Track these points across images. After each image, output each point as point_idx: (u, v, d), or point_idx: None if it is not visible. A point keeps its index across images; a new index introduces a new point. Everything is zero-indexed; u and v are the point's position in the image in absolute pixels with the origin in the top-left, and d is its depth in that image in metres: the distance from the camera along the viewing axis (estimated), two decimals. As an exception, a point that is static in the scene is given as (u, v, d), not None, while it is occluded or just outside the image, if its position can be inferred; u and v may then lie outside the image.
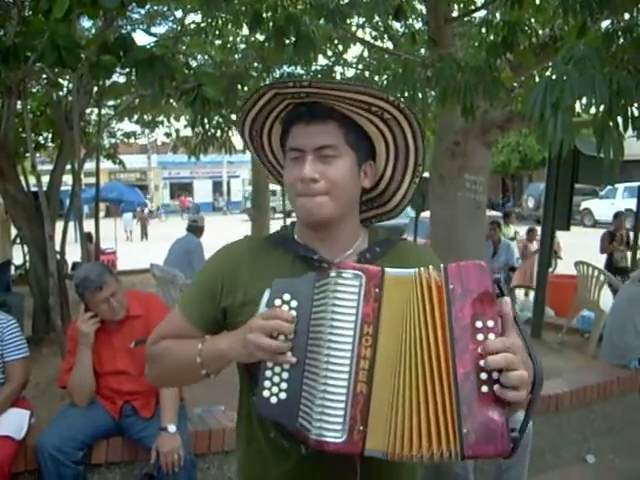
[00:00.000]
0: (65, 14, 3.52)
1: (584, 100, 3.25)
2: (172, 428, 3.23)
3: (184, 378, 1.62)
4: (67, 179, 8.58)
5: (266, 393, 1.32)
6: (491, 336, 1.20)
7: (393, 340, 1.25)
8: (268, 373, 1.32)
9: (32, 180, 7.40)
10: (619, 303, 5.47)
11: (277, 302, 1.33)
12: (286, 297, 1.33)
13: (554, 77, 3.29)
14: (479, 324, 1.21)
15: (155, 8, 9.91)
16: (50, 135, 11.05)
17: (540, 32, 5.59)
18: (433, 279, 1.26)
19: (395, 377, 1.24)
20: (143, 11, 9.78)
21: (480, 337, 1.20)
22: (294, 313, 1.32)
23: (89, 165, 9.55)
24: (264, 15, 5.73)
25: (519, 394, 1.19)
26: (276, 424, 1.44)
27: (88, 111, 10.23)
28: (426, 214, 8.50)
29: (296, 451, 1.44)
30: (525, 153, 29.98)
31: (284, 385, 1.31)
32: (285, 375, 1.31)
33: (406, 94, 4.59)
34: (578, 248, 11.70)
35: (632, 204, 18.88)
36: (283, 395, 1.31)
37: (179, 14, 10.03)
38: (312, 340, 1.29)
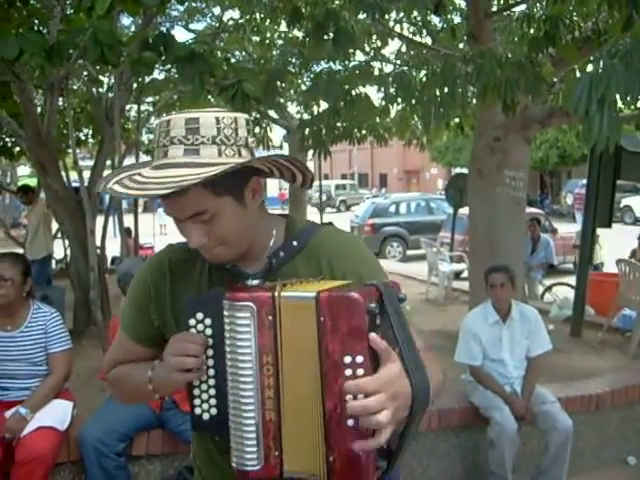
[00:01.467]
0: (107, 11, 3.57)
1: (630, 96, 3.19)
2: None
3: (142, 400, 1.64)
4: (107, 174, 8.70)
5: (197, 410, 1.36)
6: (359, 371, 1.18)
7: (293, 364, 1.25)
8: (196, 391, 1.35)
9: (73, 175, 7.52)
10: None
11: (192, 322, 1.35)
12: (199, 316, 1.34)
13: (599, 72, 3.23)
14: (348, 359, 1.19)
15: (194, 5, 9.99)
16: (91, 131, 11.22)
17: (583, 26, 5.51)
18: (307, 311, 1.23)
19: (298, 400, 1.25)
20: (182, 8, 9.88)
21: (348, 372, 1.19)
22: (209, 331, 1.33)
23: (129, 161, 9.66)
24: (302, 11, 5.73)
25: (381, 431, 1.17)
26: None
27: (128, 107, 10.36)
28: (464, 210, 8.45)
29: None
30: (564, 149, 29.51)
31: (213, 401, 1.34)
32: (212, 391, 1.34)
33: (445, 90, 4.56)
34: (619, 245, 11.52)
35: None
36: (214, 411, 1.34)
37: (217, 11, 10.11)
38: (227, 359, 1.30)
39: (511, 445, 3.81)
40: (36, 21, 5.12)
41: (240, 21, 8.77)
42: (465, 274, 10.45)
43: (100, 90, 8.54)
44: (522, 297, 6.44)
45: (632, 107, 7.37)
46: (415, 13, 7.69)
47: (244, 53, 9.67)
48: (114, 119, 6.81)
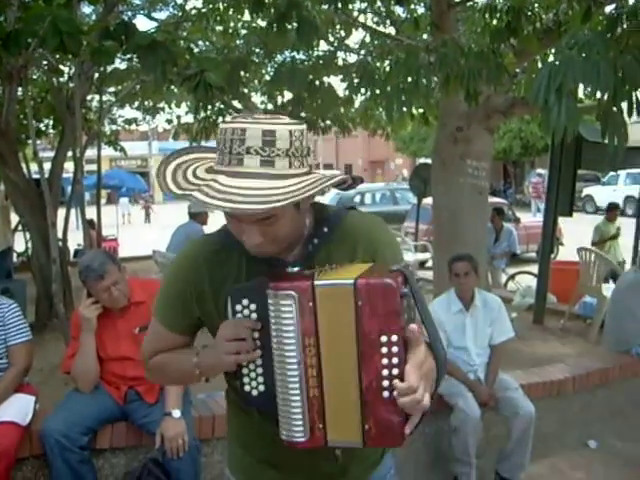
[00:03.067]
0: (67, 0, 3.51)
1: (588, 86, 3.23)
2: (176, 413, 3.23)
3: (187, 383, 1.81)
4: (68, 166, 8.58)
5: (247, 387, 1.49)
6: (394, 349, 1.33)
7: (334, 344, 1.39)
8: (245, 370, 1.48)
9: (33, 167, 7.40)
10: (619, 290, 5.47)
11: (238, 307, 1.47)
12: (245, 302, 1.46)
13: (558, 63, 3.27)
14: (384, 339, 1.34)
15: (156, -7, 9.86)
16: (51, 122, 11.03)
17: (544, 17, 5.56)
18: (344, 296, 1.37)
19: (339, 377, 1.39)
20: (144, -4, 9.75)
21: (384, 350, 1.34)
22: (255, 315, 1.45)
23: (90, 152, 9.54)
24: (265, 0, 5.69)
25: (413, 407, 1.33)
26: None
27: (89, 98, 10.21)
28: (428, 200, 8.51)
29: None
30: (527, 139, 29.83)
31: (261, 379, 1.47)
32: (260, 370, 1.47)
33: (409, 80, 4.57)
34: (580, 234, 11.70)
35: (634, 191, 18.88)
36: (262, 388, 1.47)
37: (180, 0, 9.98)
38: (274, 341, 1.42)
39: (475, 431, 3.86)
40: (-7, 9, 5.00)
41: (203, 10, 8.66)
42: (429, 263, 10.54)
43: (61, 80, 8.39)
44: (485, 285, 6.52)
45: (593, 98, 7.49)
46: (379, 3, 7.70)
47: (207, 42, 9.56)
48: (75, 109, 6.71)
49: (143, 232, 21.57)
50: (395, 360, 1.34)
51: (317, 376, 1.39)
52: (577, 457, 4.54)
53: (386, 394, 1.34)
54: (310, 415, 1.40)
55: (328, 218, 1.62)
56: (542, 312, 7.32)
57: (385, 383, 1.34)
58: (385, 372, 1.34)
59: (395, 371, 1.33)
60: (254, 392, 1.48)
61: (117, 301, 3.33)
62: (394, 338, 1.33)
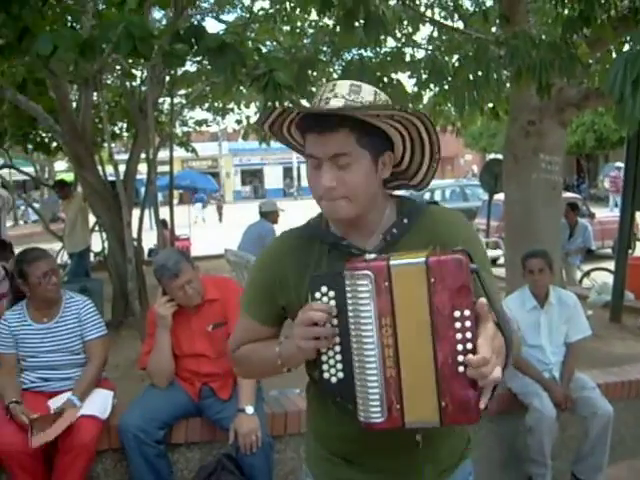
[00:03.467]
0: (138, 5, 3.60)
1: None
2: (250, 409, 3.28)
3: (270, 374, 1.78)
4: (142, 168, 8.79)
5: (326, 375, 1.50)
6: (467, 323, 1.35)
7: (410, 324, 1.40)
8: (324, 357, 1.50)
9: (109, 169, 7.62)
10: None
11: (317, 295, 1.49)
12: (323, 289, 1.48)
13: (634, 52, 3.16)
14: (457, 314, 1.35)
15: (223, -4, 10.01)
16: (125, 125, 11.33)
17: (619, 4, 5.38)
18: (415, 272, 1.39)
19: (415, 357, 1.40)
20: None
21: (458, 325, 1.35)
22: (333, 303, 1.47)
23: (162, 154, 9.75)
24: (333, -2, 5.70)
25: (486, 380, 1.33)
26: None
27: (161, 100, 10.43)
28: (499, 197, 8.37)
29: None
30: (601, 132, 29.00)
31: (340, 366, 1.49)
32: (339, 357, 1.48)
33: (479, 74, 4.50)
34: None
35: None
36: (341, 375, 1.49)
37: (247, 1, 10.10)
38: (351, 326, 1.44)
39: (550, 431, 3.78)
40: (69, 17, 5.17)
41: (270, 11, 8.76)
42: (501, 260, 10.36)
43: (133, 84, 8.62)
44: (560, 282, 6.36)
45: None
46: (446, -3, 7.62)
47: (275, 43, 9.65)
48: (148, 112, 6.87)
49: (215, 231, 21.90)
50: (468, 335, 1.35)
51: (394, 356, 1.40)
52: (657, 460, 4.40)
53: (461, 369, 1.35)
54: (387, 395, 1.40)
55: (409, 210, 1.66)
56: (619, 310, 7.10)
57: (460, 358, 1.35)
58: (460, 347, 1.35)
59: (469, 345, 1.34)
60: (333, 379, 1.49)
61: (191, 299, 3.38)
62: (466, 313, 1.35)
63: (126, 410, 3.40)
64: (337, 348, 1.48)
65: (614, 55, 6.07)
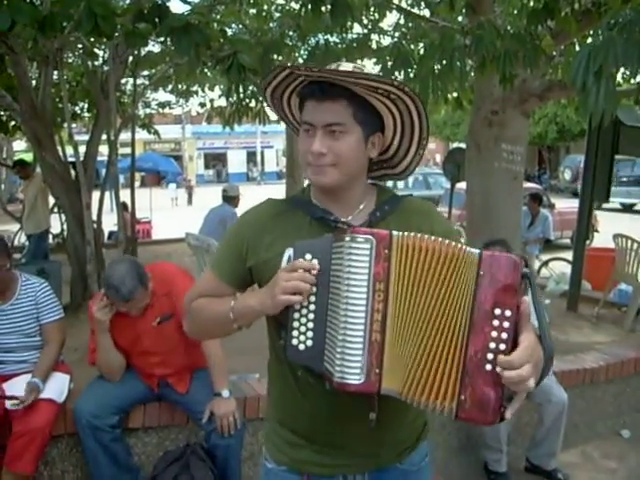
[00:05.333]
0: (101, -18, 3.52)
1: (629, 68, 3.15)
2: (226, 393, 3.27)
3: (218, 331, 1.81)
4: (103, 149, 8.65)
5: (294, 341, 1.51)
6: (505, 324, 1.35)
7: (404, 295, 1.43)
8: (295, 324, 1.50)
9: (69, 150, 7.48)
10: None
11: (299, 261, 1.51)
12: (307, 257, 1.51)
13: (598, 44, 3.20)
14: (498, 311, 1.36)
15: (189, -24, 9.84)
16: (86, 105, 11.13)
17: (582, -2, 5.43)
18: (464, 253, 1.41)
19: (406, 328, 1.43)
20: (178, -21, 9.75)
21: (496, 323, 1.35)
22: (316, 264, 1.49)
23: (124, 135, 9.60)
24: (299, -18, 5.66)
25: (517, 384, 1.35)
26: (303, 365, 1.60)
27: (123, 81, 10.26)
28: (462, 185, 8.43)
29: (321, 386, 1.59)
30: (563, 124, 29.42)
31: (310, 334, 1.50)
32: (310, 325, 1.50)
33: (444, 62, 4.50)
34: (615, 221, 11.52)
35: (673, 176, 18.50)
36: (310, 342, 1.50)
37: (214, -18, 9.96)
38: (332, 294, 1.47)
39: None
40: (29, -8, 5.04)
41: (237, -7, 8.65)
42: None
43: (95, 63, 8.46)
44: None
45: (632, 81, 7.32)
46: (413, -15, 7.61)
47: (240, 25, 9.55)
48: (109, 93, 6.77)
49: (183, 214, 21.67)
50: (504, 335, 1.35)
51: (381, 322, 1.42)
52: (609, 446, 4.50)
53: (489, 367, 1.35)
54: (369, 358, 1.41)
55: (389, 198, 1.75)
56: (576, 299, 7.22)
57: (490, 356, 1.35)
58: (492, 345, 1.35)
59: (502, 346, 1.35)
60: (301, 346, 1.50)
61: (135, 312, 3.26)
62: (507, 313, 1.35)
63: (80, 395, 3.35)
64: (310, 316, 1.49)
65: (577, 48, 6.14)
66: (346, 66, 1.61)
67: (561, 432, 3.94)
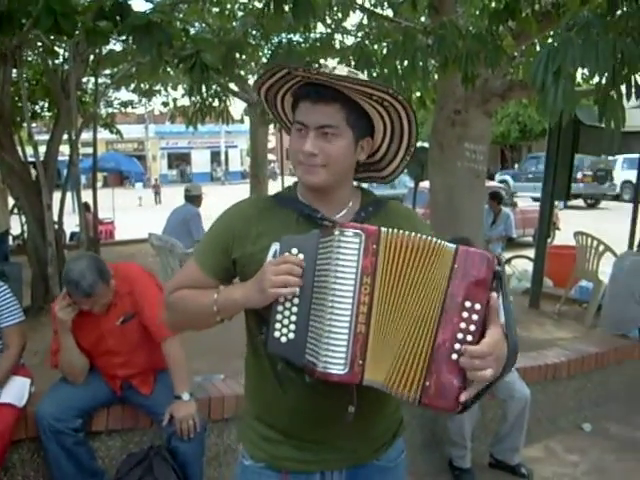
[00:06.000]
0: (61, -22, 3.46)
1: (587, 68, 3.20)
2: (186, 396, 3.23)
3: (200, 323, 1.79)
4: (64, 149, 8.53)
5: (277, 334, 1.53)
6: (474, 317, 1.41)
7: (389, 289, 1.47)
8: (279, 316, 1.53)
9: (29, 150, 7.36)
10: (619, 273, 5.46)
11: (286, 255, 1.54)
12: (294, 251, 1.54)
13: (557, 44, 3.25)
14: (468, 304, 1.42)
15: (152, -26, 9.75)
16: (46, 104, 10.95)
17: (543, -1, 5.51)
18: (441, 247, 1.47)
19: (388, 321, 1.47)
20: (140, -23, 9.66)
21: (465, 315, 1.42)
22: (301, 257, 1.53)
23: (86, 135, 9.47)
24: (262, -19, 5.64)
25: (476, 373, 1.41)
26: (283, 358, 1.62)
27: (85, 80, 10.13)
28: (425, 184, 8.49)
29: (301, 380, 1.63)
30: (525, 124, 29.85)
31: (292, 327, 1.52)
32: (293, 318, 1.52)
33: (406, 62, 4.53)
34: (577, 219, 11.71)
35: (631, 175, 18.88)
36: (292, 335, 1.52)
37: (176, -19, 9.88)
38: (317, 288, 1.50)
39: (470, 414, 3.87)
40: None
41: (199, -8, 8.60)
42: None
43: (56, 62, 8.34)
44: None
45: (591, 82, 7.44)
46: (377, -15, 7.64)
47: (203, 24, 9.49)
48: (70, 92, 6.67)
49: (149, 214, 21.44)
50: (472, 327, 1.41)
51: (367, 314, 1.45)
52: (572, 440, 4.57)
53: (454, 356, 1.40)
54: (353, 349, 1.44)
55: (373, 202, 1.79)
56: (538, 296, 7.33)
57: (457, 346, 1.41)
58: (460, 335, 1.41)
59: (469, 337, 1.41)
60: (283, 339, 1.52)
61: (98, 310, 3.21)
62: (477, 307, 1.41)
63: (41, 399, 3.30)
64: (294, 309, 1.52)
65: (538, 48, 6.22)
66: (341, 70, 1.63)
67: (524, 427, 3.99)
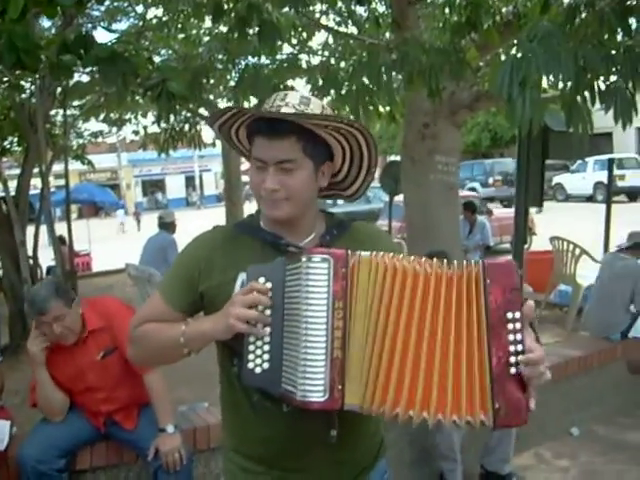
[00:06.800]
0: (21, 14, 3.44)
1: (550, 76, 3.24)
2: (170, 428, 3.18)
3: (167, 357, 1.77)
4: (36, 182, 8.46)
5: (250, 365, 1.51)
6: (517, 325, 1.39)
7: (363, 311, 1.46)
8: (251, 347, 1.51)
9: (-1, 186, 7.30)
10: (603, 276, 5.49)
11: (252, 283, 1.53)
12: (261, 280, 1.52)
13: (520, 55, 3.28)
14: (510, 315, 1.40)
15: (115, 4, 9.76)
16: (15, 139, 10.87)
17: (503, 10, 5.59)
18: (472, 271, 1.44)
19: (369, 344, 1.45)
20: (103, 8, 9.63)
21: (510, 327, 1.39)
22: (269, 291, 1.51)
23: (58, 167, 9.43)
24: (225, 6, 5.64)
25: (538, 379, 1.42)
26: (259, 389, 1.59)
27: (53, 112, 10.07)
28: (400, 198, 8.52)
29: (278, 410, 1.62)
30: (495, 131, 30.14)
31: (266, 356, 1.51)
32: (266, 347, 1.51)
33: (372, 79, 4.56)
34: (552, 223, 11.80)
35: (603, 177, 19.11)
36: (266, 365, 1.50)
37: (140, 9, 9.89)
38: (288, 316, 1.49)
39: (459, 427, 3.85)
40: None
41: (164, 19, 8.60)
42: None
43: (22, 96, 8.28)
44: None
45: (559, 86, 7.53)
46: (340, 4, 7.68)
47: (170, 51, 9.50)
48: (38, 125, 6.63)
49: (130, 242, 21.27)
50: (519, 337, 1.40)
51: (341, 338, 1.44)
52: (561, 446, 4.58)
53: (513, 370, 1.39)
54: (331, 375, 1.43)
55: (337, 224, 1.79)
56: (518, 302, 7.34)
57: (512, 359, 1.39)
58: (512, 348, 1.39)
59: (519, 347, 1.39)
60: (257, 369, 1.51)
61: (62, 337, 3.12)
62: (517, 315, 1.40)
63: (22, 441, 3.23)
64: (266, 339, 1.50)
65: (503, 58, 6.29)
66: (293, 97, 1.64)
67: (512, 436, 3.99)
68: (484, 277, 1.41)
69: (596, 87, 3.57)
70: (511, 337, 1.39)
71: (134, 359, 1.85)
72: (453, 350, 1.41)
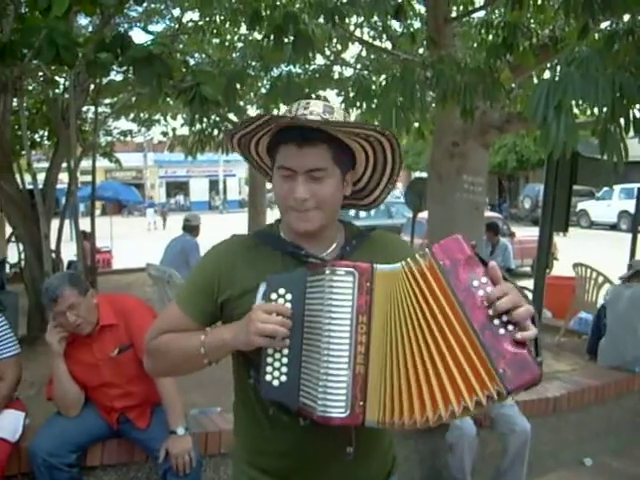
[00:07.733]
0: (65, 12, 3.49)
1: (587, 103, 3.22)
2: (181, 430, 3.18)
3: (186, 368, 1.73)
4: (63, 177, 8.54)
5: (268, 377, 1.49)
6: (488, 289, 1.38)
7: (384, 326, 1.43)
8: (269, 359, 1.49)
9: (28, 178, 7.37)
10: (619, 305, 5.42)
11: (273, 296, 1.50)
12: (281, 291, 1.50)
13: (557, 79, 3.27)
14: (475, 283, 1.39)
15: (153, 6, 9.88)
16: (46, 133, 11.01)
17: (540, 33, 5.57)
18: (424, 266, 1.44)
19: (387, 357, 1.42)
20: (140, 9, 9.76)
21: (480, 293, 1.38)
22: (289, 305, 1.49)
23: (85, 163, 9.49)
24: (262, 13, 5.69)
25: (531, 328, 1.38)
26: (276, 402, 1.56)
27: (84, 109, 10.19)
28: (423, 215, 8.50)
29: (296, 424, 1.58)
30: (522, 154, 29.98)
31: (284, 369, 1.48)
32: (285, 360, 1.48)
33: (405, 95, 4.55)
34: (574, 249, 11.69)
35: (628, 205, 18.93)
36: (284, 378, 1.48)
37: (177, 12, 10.00)
38: (308, 329, 1.47)
39: (470, 449, 3.82)
40: (-12, 19, 4.99)
41: (200, 23, 8.69)
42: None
43: (56, 91, 8.39)
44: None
45: (588, 113, 7.50)
46: (375, 18, 7.71)
47: (204, 55, 9.57)
48: (70, 121, 6.69)
49: (157, 239, 21.40)
50: (492, 296, 1.37)
51: (365, 354, 1.42)
52: (573, 475, 4.51)
53: (502, 331, 1.36)
54: (353, 391, 1.41)
55: (356, 235, 1.76)
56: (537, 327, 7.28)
57: (496, 321, 1.36)
58: (491, 312, 1.37)
59: (497, 307, 1.37)
60: (275, 382, 1.49)
61: (77, 326, 3.15)
62: (483, 280, 1.39)
63: (36, 433, 3.24)
64: (285, 351, 1.48)
65: (535, 81, 6.27)
66: (316, 105, 1.61)
67: (525, 462, 3.94)
68: (436, 260, 1.42)
69: (631, 115, 3.53)
70: (486, 302, 1.37)
71: (151, 371, 1.81)
72: (444, 343, 1.39)
